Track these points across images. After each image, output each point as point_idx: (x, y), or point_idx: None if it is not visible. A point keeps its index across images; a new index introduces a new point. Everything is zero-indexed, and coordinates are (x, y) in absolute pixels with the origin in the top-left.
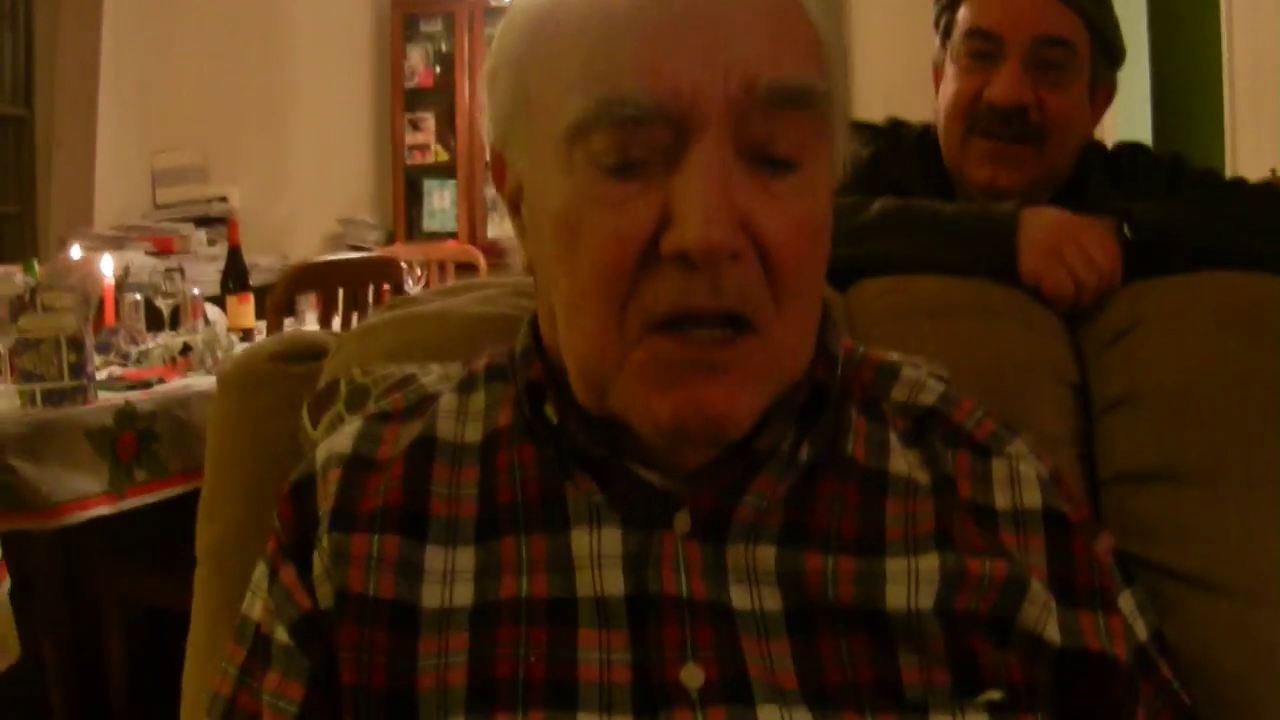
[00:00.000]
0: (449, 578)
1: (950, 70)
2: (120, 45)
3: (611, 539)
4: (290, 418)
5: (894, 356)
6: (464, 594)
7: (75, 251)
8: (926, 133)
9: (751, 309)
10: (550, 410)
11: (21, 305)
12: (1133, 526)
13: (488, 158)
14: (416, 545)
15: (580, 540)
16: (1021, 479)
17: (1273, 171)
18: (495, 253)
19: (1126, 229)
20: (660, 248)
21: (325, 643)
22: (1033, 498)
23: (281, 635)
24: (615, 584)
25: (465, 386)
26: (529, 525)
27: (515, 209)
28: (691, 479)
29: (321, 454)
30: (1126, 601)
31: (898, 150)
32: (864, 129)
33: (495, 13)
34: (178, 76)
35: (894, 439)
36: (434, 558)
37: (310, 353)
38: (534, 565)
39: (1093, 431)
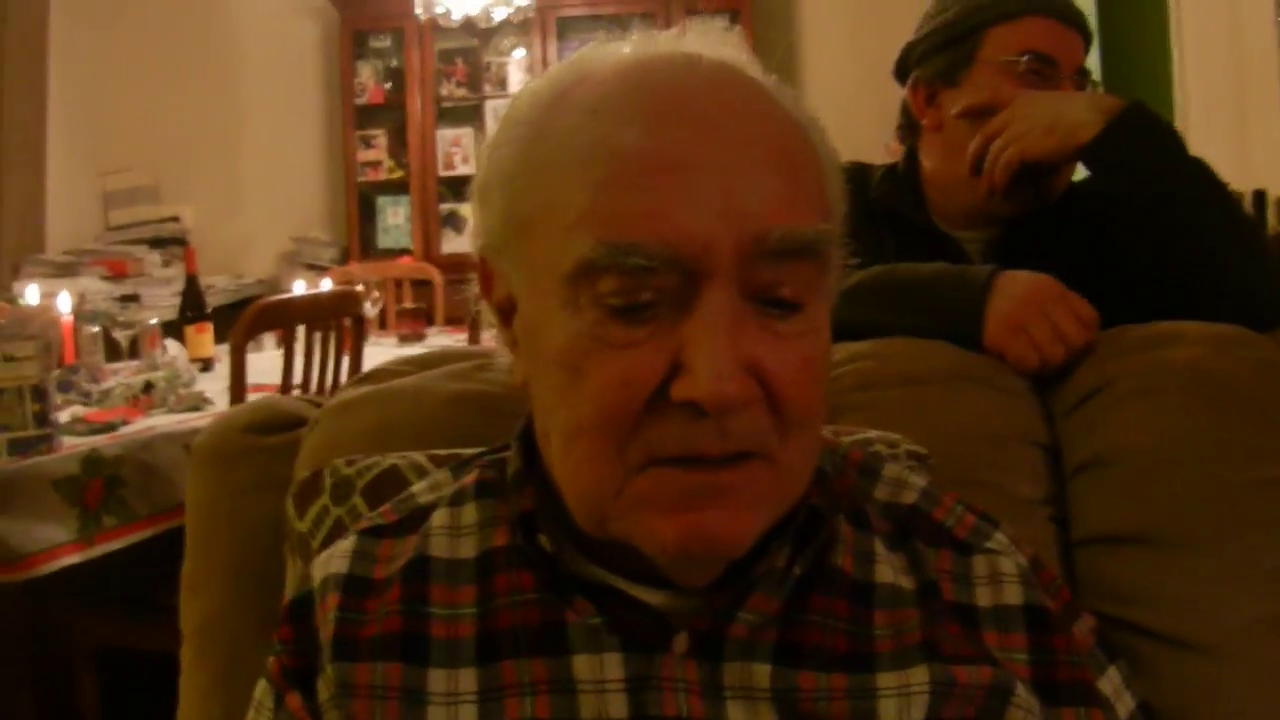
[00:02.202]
0: (453, 699)
1: (996, 86)
2: (68, 67)
3: (613, 663)
4: (266, 494)
5: (871, 434)
6: (469, 715)
7: (33, 294)
8: (894, 169)
9: (758, 445)
10: (544, 540)
11: None
12: (1107, 588)
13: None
14: (418, 670)
15: (581, 665)
16: (1002, 576)
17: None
18: (451, 268)
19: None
20: (670, 394)
21: None
22: (1014, 594)
23: None
24: (619, 708)
25: (456, 500)
26: (530, 649)
27: (505, 319)
28: (688, 598)
29: (318, 573)
30: (1110, 681)
31: (867, 187)
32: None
33: (444, 31)
34: (127, 97)
35: (879, 545)
36: (436, 680)
37: (284, 423)
38: (536, 688)
39: (1065, 493)
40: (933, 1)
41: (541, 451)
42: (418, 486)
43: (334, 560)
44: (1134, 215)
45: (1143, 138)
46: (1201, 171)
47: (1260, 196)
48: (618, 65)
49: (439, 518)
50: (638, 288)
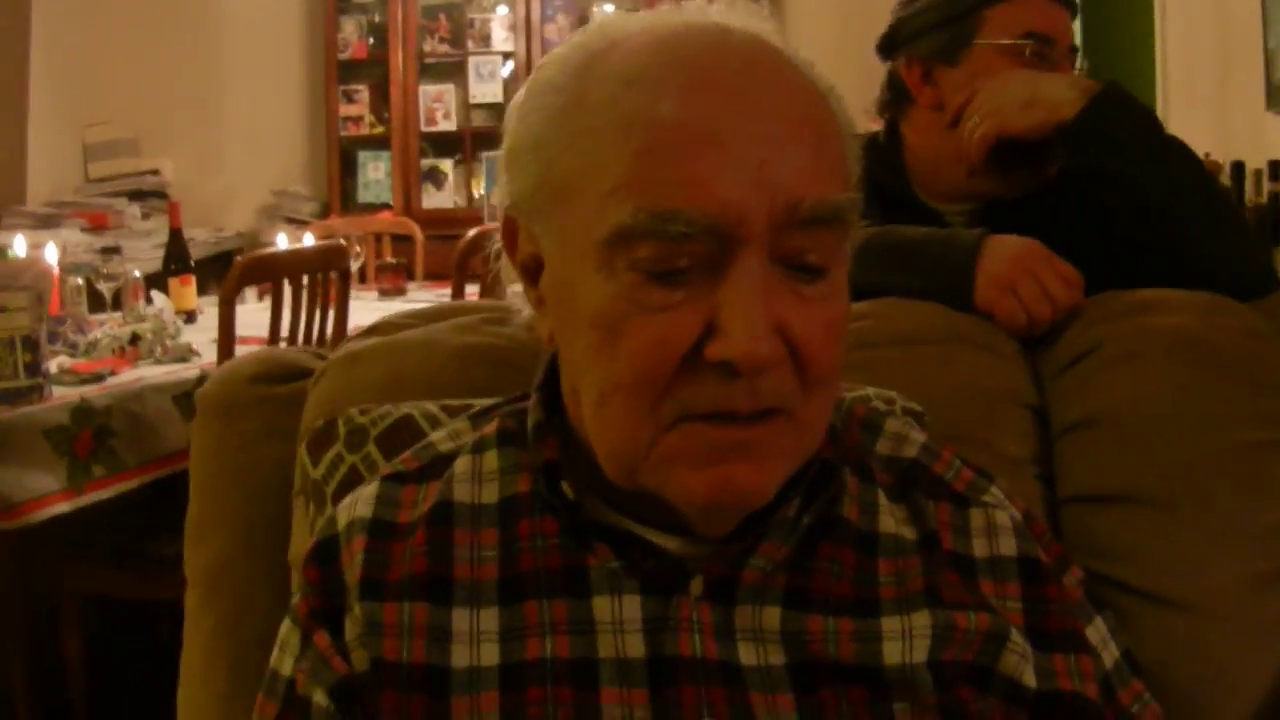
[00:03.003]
0: (475, 638)
1: (999, 68)
2: (49, 19)
3: (631, 605)
4: (273, 443)
5: (869, 391)
6: (490, 654)
7: (20, 245)
8: (875, 139)
9: (784, 402)
10: (566, 487)
11: None
12: (1092, 545)
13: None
14: (443, 610)
15: (601, 606)
16: (997, 528)
17: (1206, 155)
18: (431, 224)
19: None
20: (705, 355)
21: (363, 706)
22: (1008, 545)
23: (320, 698)
24: (636, 647)
25: (477, 448)
26: (552, 591)
27: (531, 277)
28: (703, 544)
29: (343, 518)
30: (1096, 631)
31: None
32: None
33: None
34: (108, 49)
35: (882, 497)
36: (460, 619)
37: (290, 374)
38: (556, 628)
39: (1052, 453)
40: None
41: (567, 404)
42: (436, 435)
43: (359, 505)
44: (1114, 191)
45: (1123, 115)
46: (1180, 149)
47: (1239, 168)
48: (649, 36)
49: (461, 465)
50: (675, 254)
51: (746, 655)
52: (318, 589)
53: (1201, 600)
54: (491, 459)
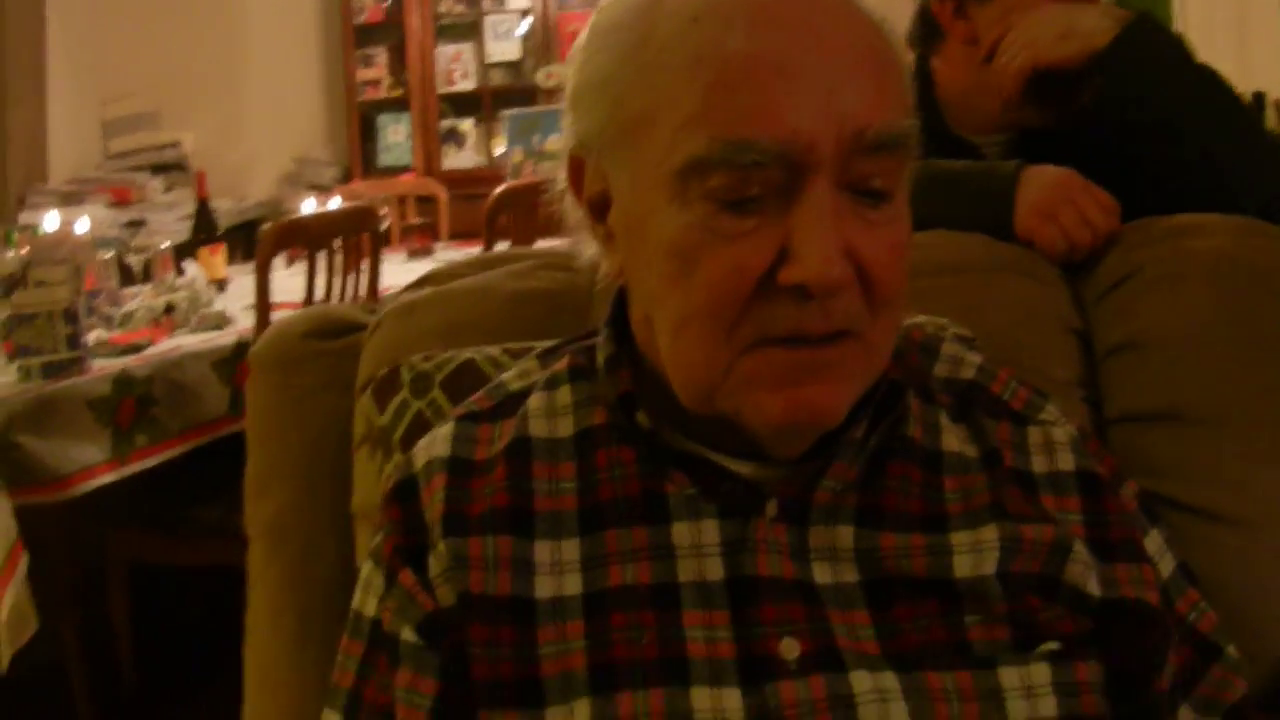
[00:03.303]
0: (558, 569)
1: (1031, 3)
2: None
3: (710, 529)
4: (330, 395)
5: (920, 319)
6: (574, 583)
7: (53, 220)
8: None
9: (853, 323)
10: (642, 418)
11: (13, 281)
12: (1140, 463)
13: (563, 165)
14: (526, 542)
15: (680, 531)
16: (1055, 444)
17: None
18: (454, 183)
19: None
20: (778, 279)
21: (450, 639)
22: (1066, 461)
23: (409, 635)
24: (715, 570)
25: (550, 385)
26: (631, 519)
27: (598, 214)
28: (775, 468)
29: (420, 458)
30: (1153, 541)
31: None
32: None
33: None
34: (124, 24)
35: (943, 417)
36: (542, 551)
37: (342, 328)
38: (637, 554)
39: (1097, 375)
40: None
41: (638, 336)
42: (507, 375)
43: (436, 444)
44: (1148, 117)
45: (1156, 42)
46: (1212, 75)
47: (1259, 99)
48: None
49: (535, 401)
50: (747, 182)
51: (822, 574)
52: (400, 527)
53: (1249, 514)
54: (565, 394)
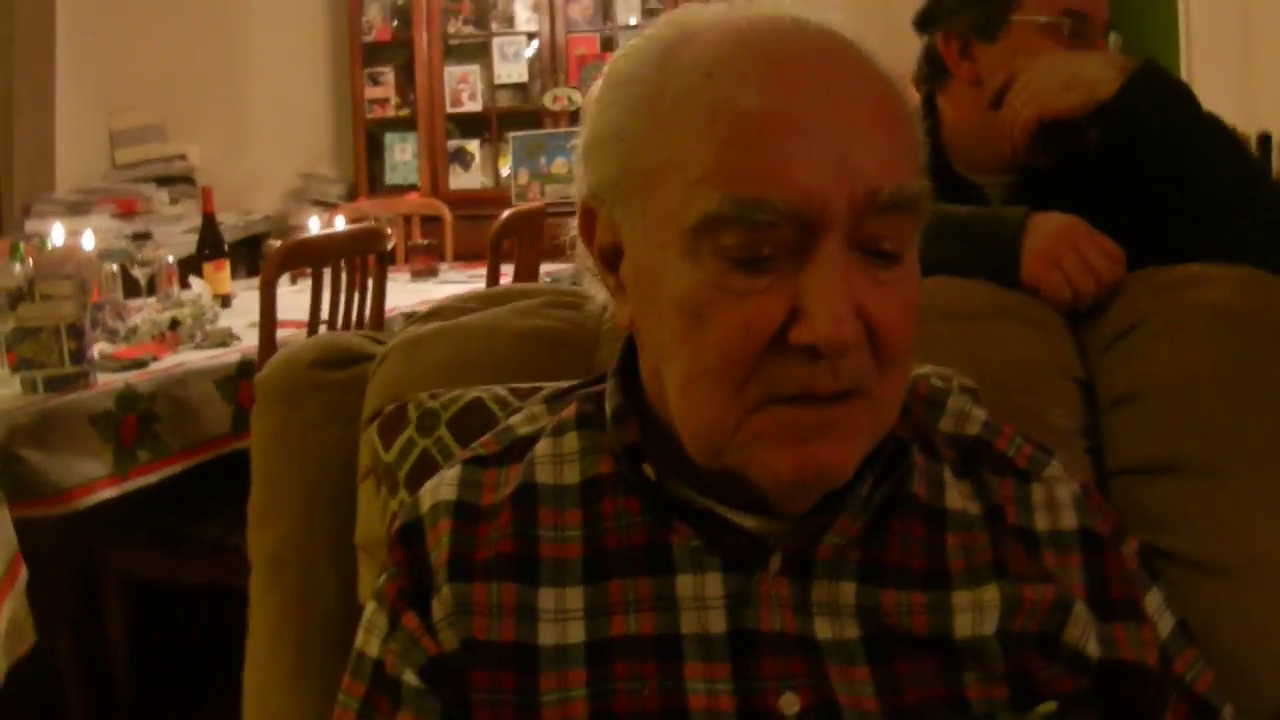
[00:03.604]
0: (562, 616)
1: (1037, 46)
2: (75, 6)
3: (714, 582)
4: (335, 427)
5: (927, 369)
6: (577, 631)
7: (58, 233)
8: None
9: (861, 383)
10: (648, 469)
11: (19, 294)
12: (1140, 516)
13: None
14: (530, 589)
15: (684, 584)
16: (1058, 502)
17: (1232, 127)
18: (459, 204)
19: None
20: (789, 338)
21: (452, 684)
22: (1069, 519)
23: (411, 678)
24: (718, 623)
25: (557, 431)
26: (635, 569)
27: (609, 264)
28: (779, 521)
29: (426, 501)
30: (1153, 600)
31: None
32: None
33: None
34: (134, 35)
35: (947, 473)
36: (546, 598)
37: (348, 359)
38: (640, 605)
39: (1099, 426)
40: None
41: (647, 387)
42: (514, 419)
43: (442, 488)
44: (1152, 168)
45: (1161, 92)
46: (1216, 125)
47: (1265, 140)
48: (727, 27)
49: (541, 447)
50: (759, 241)
51: (823, 629)
52: (404, 571)
53: (1247, 567)
54: (571, 440)
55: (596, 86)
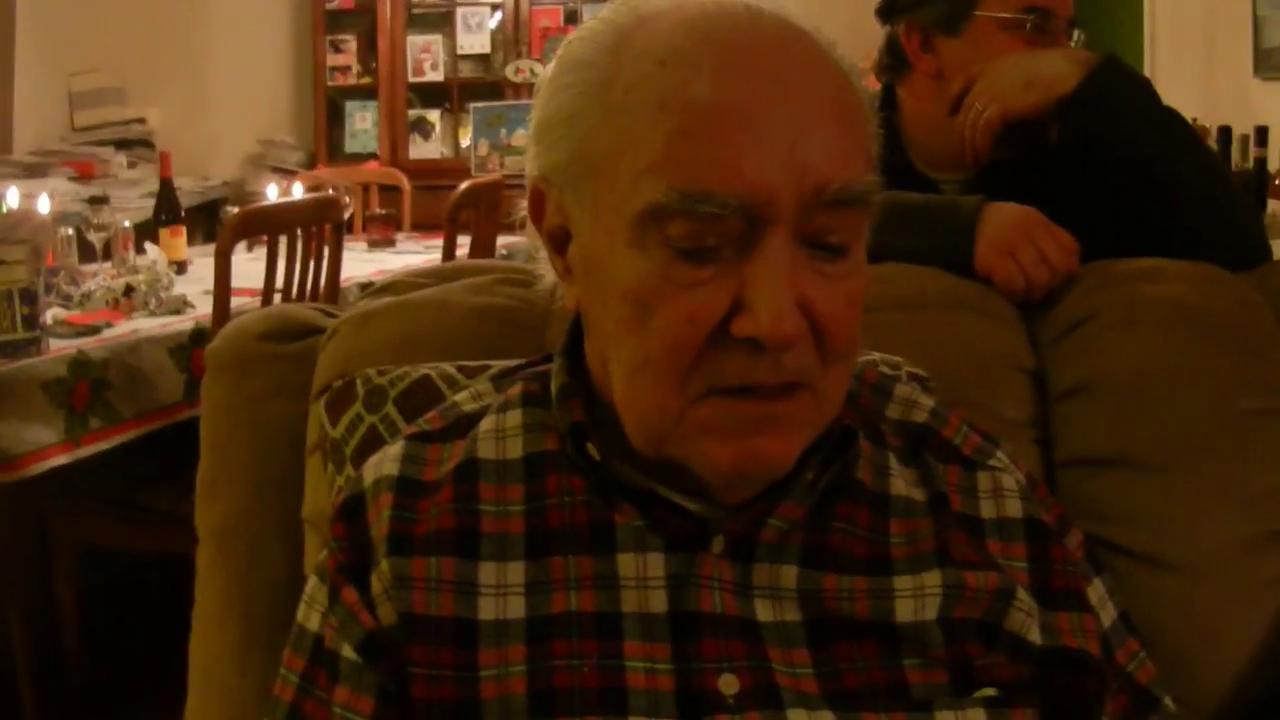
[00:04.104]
0: (502, 591)
1: (1000, 41)
2: None
3: (655, 562)
4: (284, 400)
5: (876, 356)
6: (517, 607)
7: (13, 196)
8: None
9: (804, 376)
10: (591, 448)
11: None
12: (1088, 508)
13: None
14: (470, 564)
15: (626, 563)
16: (1004, 491)
17: (1194, 121)
18: (418, 174)
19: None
20: (731, 330)
21: (390, 659)
22: (1014, 508)
23: (349, 652)
24: (659, 602)
25: (502, 408)
26: (578, 547)
27: (558, 247)
28: (725, 504)
29: (369, 476)
30: (1096, 590)
31: None
32: None
33: None
34: None
35: (893, 460)
36: (487, 573)
37: (299, 331)
38: (581, 582)
39: (1049, 417)
40: None
41: (593, 370)
42: (460, 396)
43: (385, 463)
44: (1111, 161)
45: (1121, 87)
46: (1176, 120)
47: (1226, 133)
48: (680, 15)
49: (485, 424)
50: (705, 232)
51: (764, 611)
52: (344, 545)
53: (1193, 561)
54: (516, 417)
55: (549, 68)
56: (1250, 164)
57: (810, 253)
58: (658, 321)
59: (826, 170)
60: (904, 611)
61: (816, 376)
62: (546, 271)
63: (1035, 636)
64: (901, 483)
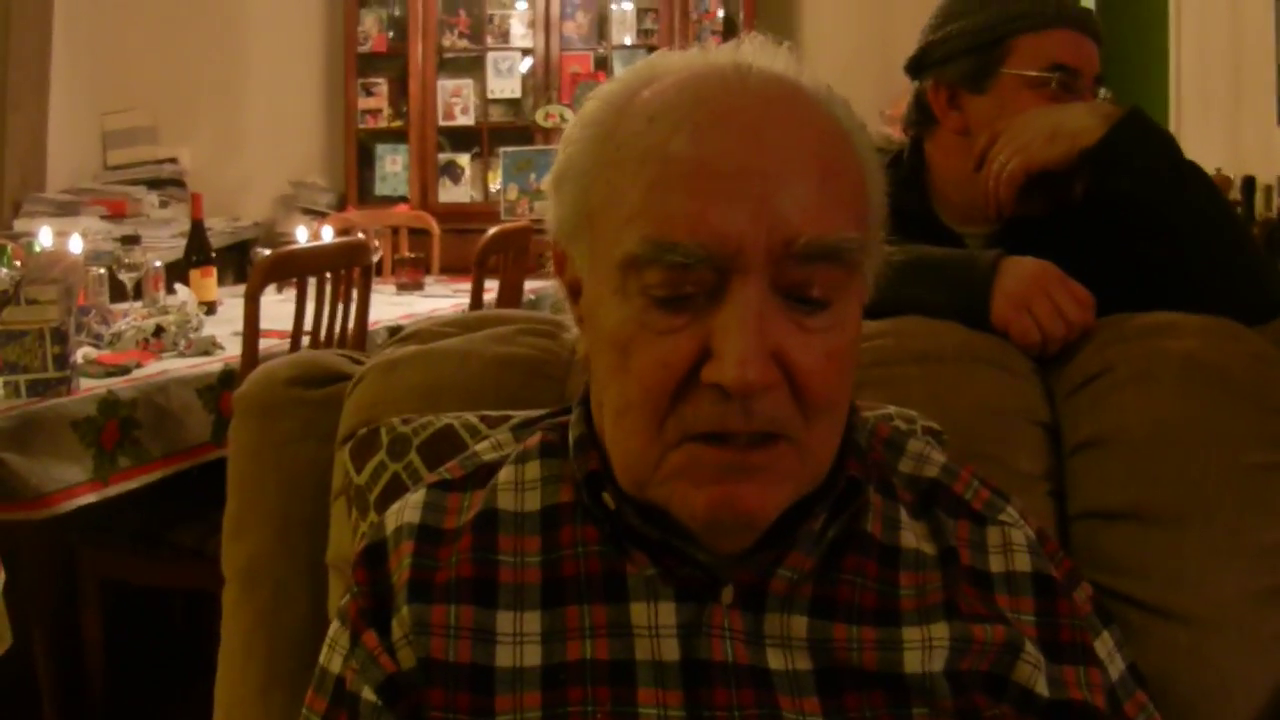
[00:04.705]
0: (518, 640)
1: (1025, 99)
2: (72, 6)
3: (667, 611)
4: (310, 444)
5: (891, 410)
6: (533, 655)
7: (46, 235)
8: (900, 157)
9: (781, 427)
10: (608, 497)
11: (4, 297)
12: (1101, 560)
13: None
14: (488, 612)
15: (639, 612)
16: (1013, 546)
17: (1218, 171)
18: (448, 218)
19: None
20: (700, 377)
21: (409, 701)
22: (1023, 562)
23: (369, 695)
24: (671, 651)
25: (520, 459)
26: (592, 596)
27: (575, 298)
28: (734, 556)
29: (391, 523)
30: (1104, 644)
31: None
32: None
33: None
34: (130, 36)
35: (903, 513)
36: (504, 621)
37: (325, 378)
38: (596, 631)
39: (1063, 470)
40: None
41: (594, 417)
42: (481, 446)
43: (406, 511)
44: (1131, 215)
45: (1144, 141)
46: (1197, 174)
47: (1250, 183)
48: (684, 73)
49: (505, 474)
50: (679, 281)
51: (775, 660)
52: (366, 590)
53: (1204, 614)
54: (534, 469)
55: (569, 125)
56: (1274, 213)
57: (788, 304)
58: (635, 366)
59: (797, 224)
60: (912, 663)
61: (795, 428)
62: (571, 323)
63: (1043, 689)
64: (912, 536)
